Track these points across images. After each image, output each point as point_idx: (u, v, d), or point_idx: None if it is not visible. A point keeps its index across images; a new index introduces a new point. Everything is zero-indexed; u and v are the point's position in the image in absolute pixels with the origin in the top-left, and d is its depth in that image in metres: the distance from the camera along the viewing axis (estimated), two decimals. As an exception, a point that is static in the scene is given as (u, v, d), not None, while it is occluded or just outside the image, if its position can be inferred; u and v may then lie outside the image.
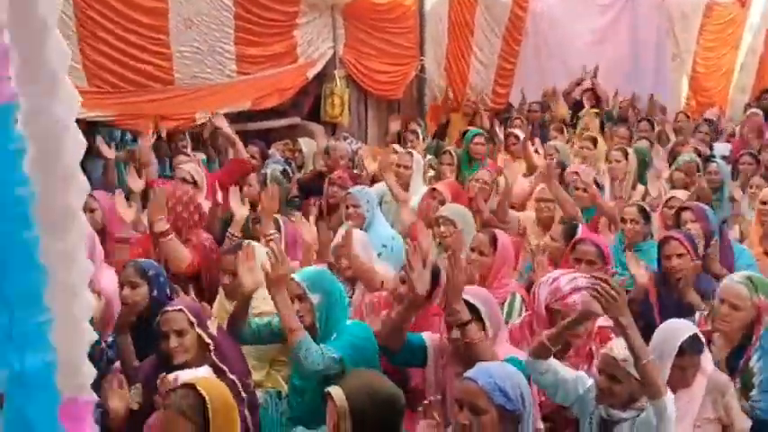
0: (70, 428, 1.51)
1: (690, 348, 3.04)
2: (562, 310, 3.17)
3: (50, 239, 1.43)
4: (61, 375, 1.49)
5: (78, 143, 1.45)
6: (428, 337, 3.22)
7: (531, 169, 6.37)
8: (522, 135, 7.00)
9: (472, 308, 3.03)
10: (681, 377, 3.05)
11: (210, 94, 6.54)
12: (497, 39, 9.23)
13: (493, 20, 9.13)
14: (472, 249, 3.92)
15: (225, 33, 6.60)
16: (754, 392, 3.32)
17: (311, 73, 7.45)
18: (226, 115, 6.55)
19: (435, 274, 3.28)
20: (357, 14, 7.73)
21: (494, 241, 3.87)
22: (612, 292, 2.61)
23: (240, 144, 5.72)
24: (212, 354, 2.98)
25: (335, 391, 2.38)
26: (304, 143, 6.91)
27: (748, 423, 3.09)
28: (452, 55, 8.86)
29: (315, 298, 3.18)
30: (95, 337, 1.62)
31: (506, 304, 3.75)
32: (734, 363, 3.37)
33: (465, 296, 3.06)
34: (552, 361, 2.86)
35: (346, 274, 3.98)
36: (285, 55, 7.19)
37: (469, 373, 2.47)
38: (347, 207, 4.95)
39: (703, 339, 3.16)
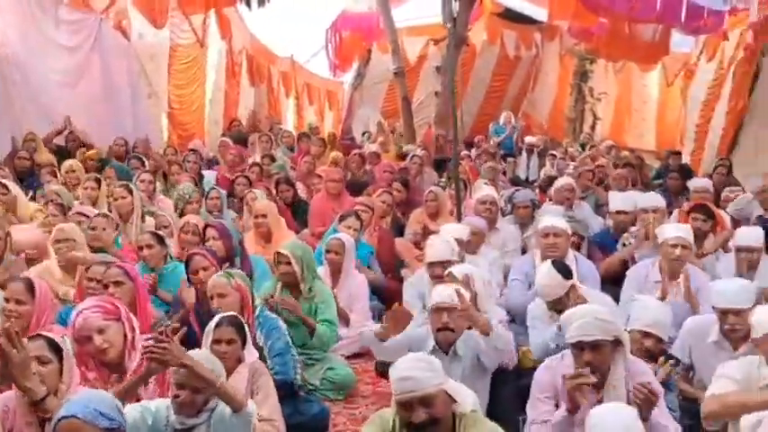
0: None
1: None
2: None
3: None
4: None
5: None
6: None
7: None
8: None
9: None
10: None
11: None
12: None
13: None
14: (7, 300, 3.69)
15: None
16: (269, 363, 3.96)
17: None
18: None
19: None
20: None
21: (31, 288, 3.70)
22: (163, 345, 2.94)
23: None
24: None
25: None
26: None
27: None
28: None
29: None
30: None
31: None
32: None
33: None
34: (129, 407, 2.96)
35: None
36: None
37: (62, 412, 2.44)
38: None
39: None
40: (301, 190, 8.40)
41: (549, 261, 4.42)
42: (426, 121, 15.50)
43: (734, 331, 3.94)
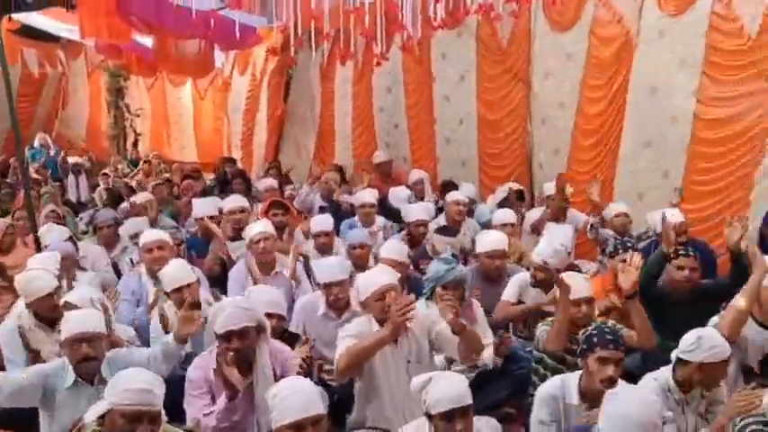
0: None
1: None
2: None
3: None
4: None
5: None
6: None
7: None
8: None
9: None
10: None
11: None
12: None
13: None
14: None
15: None
16: None
17: None
18: None
19: None
20: None
21: None
22: None
23: None
24: None
25: None
26: None
27: None
28: None
29: None
30: None
31: None
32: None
33: None
34: None
35: None
36: None
37: None
38: None
39: None
40: None
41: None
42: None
43: (337, 300, 4.62)
